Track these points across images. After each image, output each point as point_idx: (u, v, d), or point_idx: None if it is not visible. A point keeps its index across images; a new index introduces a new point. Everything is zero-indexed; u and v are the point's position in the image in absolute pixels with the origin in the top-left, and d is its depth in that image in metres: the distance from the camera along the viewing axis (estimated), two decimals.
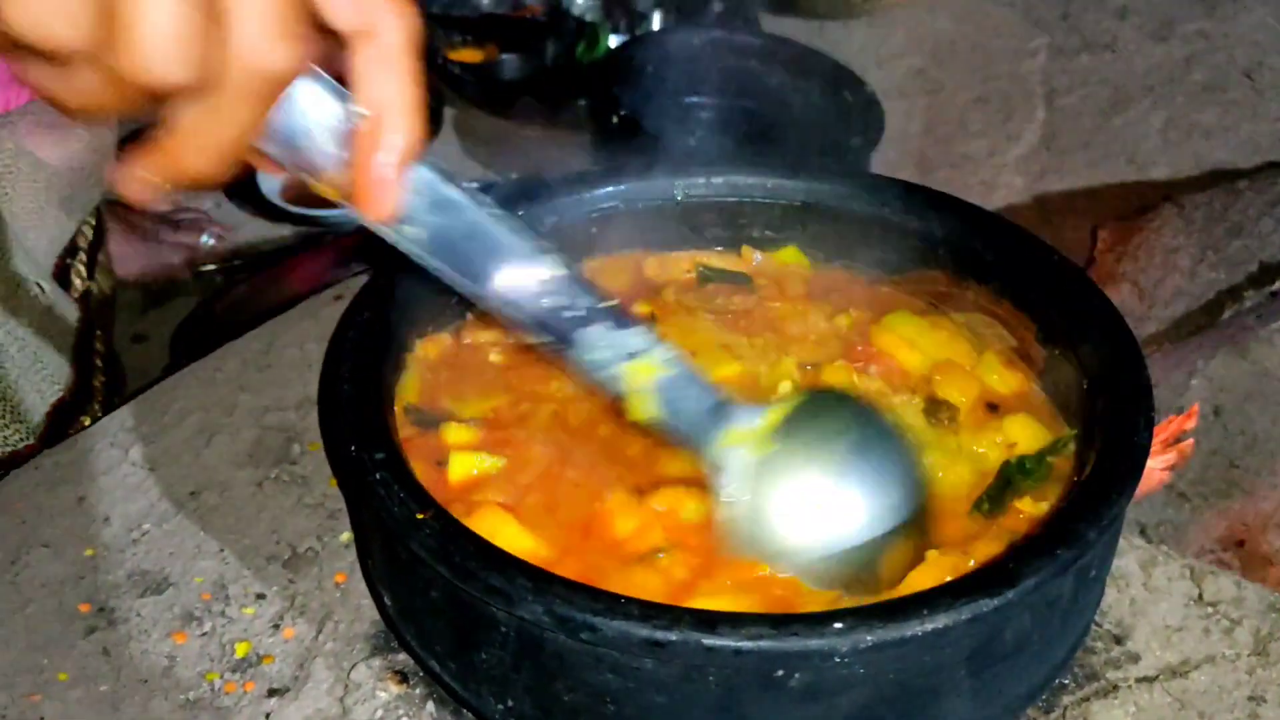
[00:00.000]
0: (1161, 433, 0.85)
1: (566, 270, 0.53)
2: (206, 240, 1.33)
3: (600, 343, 0.54)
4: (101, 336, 0.99)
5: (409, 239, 0.49)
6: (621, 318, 0.55)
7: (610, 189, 0.74)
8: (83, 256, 0.95)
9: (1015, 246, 0.68)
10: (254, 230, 1.38)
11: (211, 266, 1.31)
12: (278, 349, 0.83)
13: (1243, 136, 1.48)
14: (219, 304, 0.96)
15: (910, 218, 0.70)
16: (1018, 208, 1.40)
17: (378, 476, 0.54)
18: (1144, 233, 1.09)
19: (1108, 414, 0.57)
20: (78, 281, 0.95)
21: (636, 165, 0.75)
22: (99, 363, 0.97)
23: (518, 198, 0.74)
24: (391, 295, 0.67)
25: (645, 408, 0.56)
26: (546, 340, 0.54)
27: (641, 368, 0.56)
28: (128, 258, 1.25)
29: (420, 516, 0.52)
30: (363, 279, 0.90)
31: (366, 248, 0.92)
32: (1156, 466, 0.80)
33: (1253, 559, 0.97)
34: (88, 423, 0.92)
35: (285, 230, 1.38)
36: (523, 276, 0.52)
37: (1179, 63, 1.60)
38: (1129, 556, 0.68)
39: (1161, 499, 1.01)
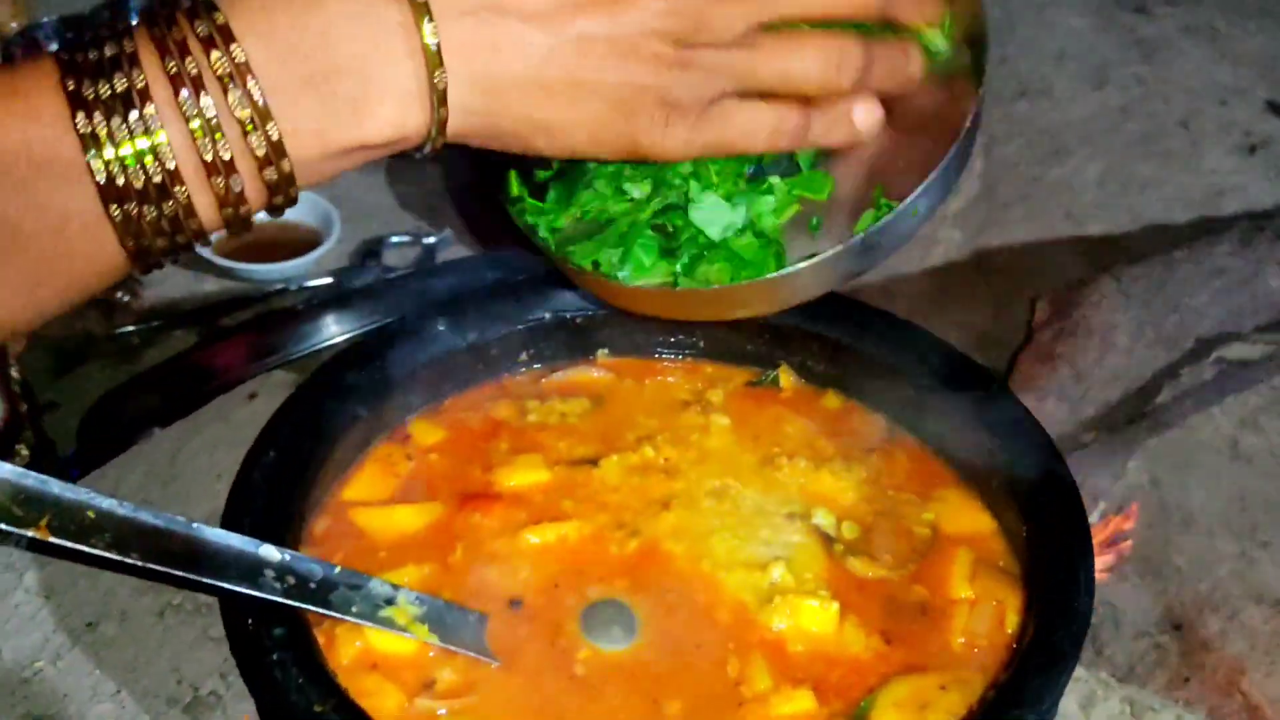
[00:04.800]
0: (1100, 533, 0.84)
1: (288, 554, 0.58)
2: (122, 297, 1.27)
3: (352, 600, 0.59)
4: (17, 366, 0.95)
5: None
6: (356, 577, 0.60)
7: None
8: None
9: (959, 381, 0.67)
10: (174, 286, 1.33)
11: (129, 327, 1.25)
12: (184, 457, 0.79)
13: (1178, 189, 1.49)
14: (128, 404, 0.92)
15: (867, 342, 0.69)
16: (957, 264, 1.39)
17: (276, 658, 0.50)
18: (1082, 308, 1.08)
19: (1047, 577, 0.56)
20: None
21: None
22: (17, 390, 0.94)
23: None
24: (305, 429, 0.63)
25: (420, 634, 0.59)
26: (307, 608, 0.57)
27: (399, 610, 0.59)
28: None
29: (319, 710, 0.48)
30: (279, 375, 0.86)
31: (281, 341, 0.88)
32: (1095, 568, 0.79)
33: (1191, 644, 0.97)
34: (24, 451, 0.88)
35: (209, 286, 1.32)
36: (252, 567, 0.56)
37: (1116, 111, 1.60)
38: (1069, 695, 0.66)
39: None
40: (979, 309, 1.21)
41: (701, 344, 0.75)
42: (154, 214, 0.53)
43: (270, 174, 0.54)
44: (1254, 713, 0.84)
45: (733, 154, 0.64)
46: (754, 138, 0.62)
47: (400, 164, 1.43)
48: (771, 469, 0.69)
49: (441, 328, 0.71)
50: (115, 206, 0.53)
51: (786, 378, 0.74)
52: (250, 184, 0.55)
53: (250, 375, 0.86)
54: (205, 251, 1.25)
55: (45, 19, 1.37)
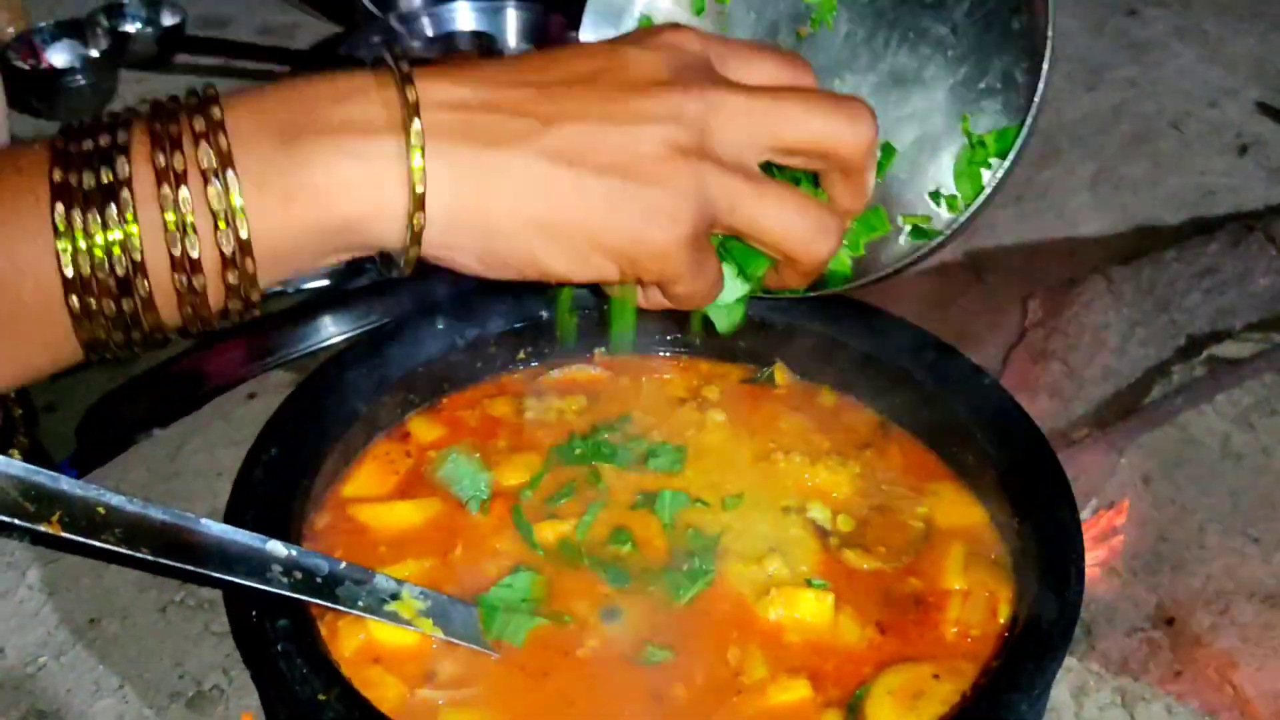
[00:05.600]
0: (1092, 528, 0.85)
1: (295, 549, 0.59)
2: None
3: (358, 594, 0.59)
4: None
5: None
6: (361, 572, 0.60)
7: None
8: None
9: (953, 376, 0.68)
10: None
11: None
12: (185, 456, 0.80)
13: (1170, 190, 1.49)
14: (126, 407, 0.92)
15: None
16: (950, 265, 1.40)
17: (280, 649, 0.51)
18: (1073, 307, 1.09)
19: (1038, 566, 0.56)
20: None
21: None
22: (12, 395, 0.94)
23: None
24: (306, 426, 0.64)
25: (425, 628, 0.60)
26: (315, 602, 0.58)
27: (404, 604, 0.60)
28: None
29: (322, 699, 0.49)
30: (278, 375, 0.87)
31: (280, 341, 0.88)
32: (1087, 563, 0.80)
33: (1183, 639, 0.98)
34: (17, 455, 0.89)
35: None
36: (259, 562, 0.57)
37: (1108, 112, 1.61)
38: (1061, 685, 0.67)
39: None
40: (972, 309, 1.22)
41: (697, 341, 0.76)
42: (113, 308, 0.53)
43: (233, 276, 0.53)
44: (1246, 707, 0.85)
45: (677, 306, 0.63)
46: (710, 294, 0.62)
47: None
48: (767, 464, 0.70)
49: (440, 326, 0.72)
50: (75, 297, 0.52)
51: (782, 374, 0.75)
52: (212, 284, 0.54)
53: (249, 376, 0.86)
54: None
55: (42, 24, 1.37)
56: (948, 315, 1.19)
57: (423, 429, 0.73)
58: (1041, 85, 0.61)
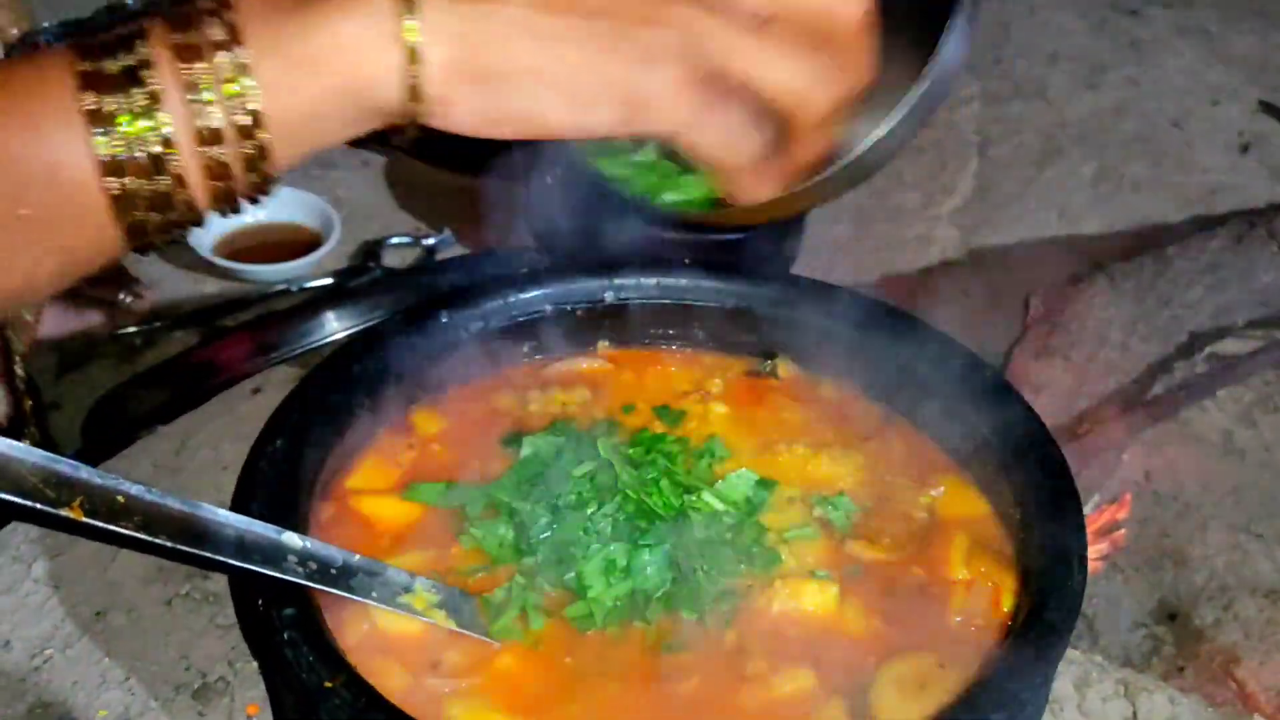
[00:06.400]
0: (1094, 523, 0.85)
1: (309, 541, 0.60)
2: (124, 298, 1.28)
3: (371, 586, 0.60)
4: (23, 363, 0.96)
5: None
6: (374, 565, 0.62)
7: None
8: None
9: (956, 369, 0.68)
10: (176, 287, 1.33)
11: (131, 328, 1.26)
12: (190, 450, 0.80)
13: (1171, 188, 1.49)
14: (131, 402, 0.92)
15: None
16: (953, 263, 1.40)
17: (286, 637, 0.51)
18: (1076, 304, 1.09)
19: (1041, 556, 0.56)
20: None
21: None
22: (22, 387, 0.95)
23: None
24: (310, 419, 0.64)
25: (438, 619, 0.61)
26: (329, 590, 0.59)
27: (417, 597, 0.61)
28: (42, 316, 1.20)
29: (329, 685, 0.49)
30: (282, 371, 0.87)
31: (285, 336, 0.89)
32: (1090, 556, 0.80)
33: (1186, 634, 0.98)
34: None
35: (210, 287, 1.33)
36: (275, 551, 0.58)
37: (1109, 111, 1.61)
38: (1064, 677, 0.67)
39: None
40: (974, 306, 1.22)
41: (700, 334, 0.76)
42: (148, 189, 0.55)
43: (250, 148, 0.55)
44: (1249, 700, 0.85)
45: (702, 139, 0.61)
46: (726, 148, 0.61)
47: (400, 164, 1.44)
48: (771, 455, 0.70)
49: (444, 319, 0.72)
50: (112, 179, 0.54)
51: (785, 367, 0.75)
52: (234, 157, 0.56)
53: (254, 371, 0.86)
54: (207, 253, 1.25)
55: (45, 24, 1.37)
56: (949, 311, 1.19)
57: (425, 421, 0.73)
58: (912, 100, 0.62)
